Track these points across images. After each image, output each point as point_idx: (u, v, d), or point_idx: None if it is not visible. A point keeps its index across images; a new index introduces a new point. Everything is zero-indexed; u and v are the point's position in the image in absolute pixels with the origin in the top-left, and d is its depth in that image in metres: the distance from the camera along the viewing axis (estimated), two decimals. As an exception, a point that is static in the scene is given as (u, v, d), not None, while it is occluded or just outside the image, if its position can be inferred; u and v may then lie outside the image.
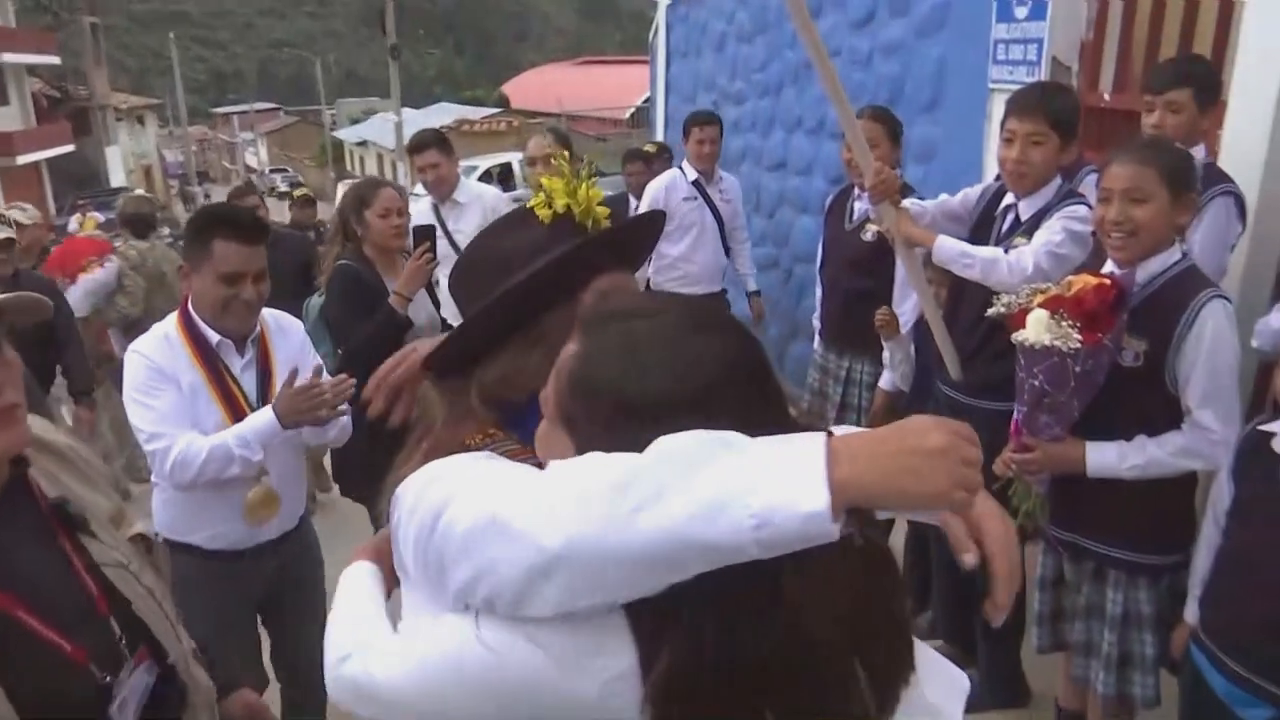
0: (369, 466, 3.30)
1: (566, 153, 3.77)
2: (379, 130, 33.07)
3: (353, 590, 1.20)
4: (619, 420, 0.94)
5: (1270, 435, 1.97)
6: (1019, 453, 2.33)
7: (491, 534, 0.91)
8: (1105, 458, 2.23)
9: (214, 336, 2.38)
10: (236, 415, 2.36)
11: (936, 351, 2.92)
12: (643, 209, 4.67)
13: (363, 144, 36.38)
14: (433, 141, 4.33)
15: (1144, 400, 2.19)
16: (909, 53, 5.10)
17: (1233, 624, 2.02)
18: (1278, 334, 2.43)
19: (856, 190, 3.74)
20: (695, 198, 4.87)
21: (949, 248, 2.71)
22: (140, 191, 11.07)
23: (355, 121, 43.09)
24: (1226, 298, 2.15)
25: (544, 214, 1.23)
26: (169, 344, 2.36)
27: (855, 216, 3.73)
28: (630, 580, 0.87)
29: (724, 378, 0.95)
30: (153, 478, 2.45)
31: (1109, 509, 2.29)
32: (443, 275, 4.30)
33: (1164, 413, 2.19)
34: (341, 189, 14.25)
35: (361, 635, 1.12)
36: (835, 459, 0.82)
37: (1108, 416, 2.21)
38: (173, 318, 2.42)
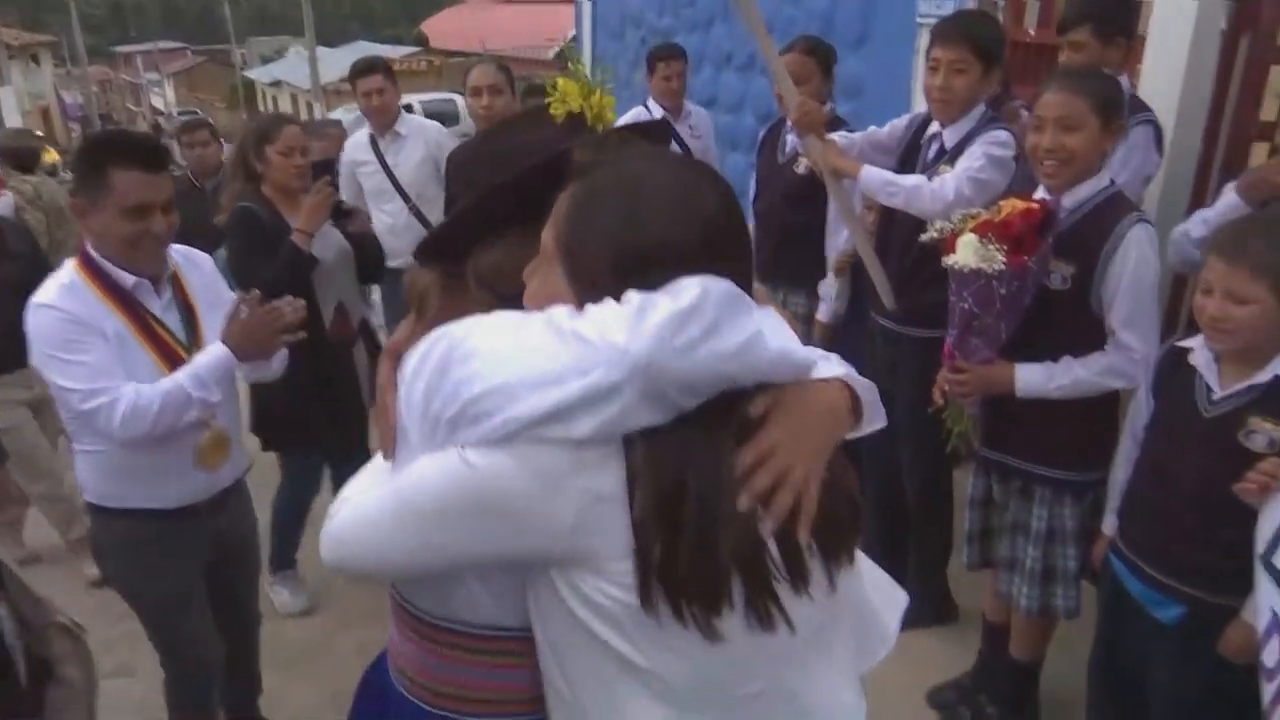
0: (295, 415, 3.22)
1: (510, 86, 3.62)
2: (293, 69, 31.89)
3: (364, 473, 1.21)
4: (624, 255, 0.97)
5: (1187, 351, 2.05)
6: (952, 374, 2.40)
7: (551, 340, 0.94)
8: (1033, 378, 2.30)
9: (128, 278, 2.17)
10: (170, 360, 2.19)
11: (869, 282, 2.97)
12: None
13: (276, 84, 35.09)
14: (379, 67, 4.27)
15: (1071, 322, 2.26)
16: (837, -13, 5.09)
17: (1147, 531, 2.13)
18: (1195, 244, 2.53)
19: (788, 123, 3.74)
20: None
21: (874, 177, 2.74)
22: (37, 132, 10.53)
23: (267, 61, 41.50)
24: (1149, 221, 2.22)
25: (559, 112, 1.24)
26: (76, 293, 2.12)
27: (788, 150, 3.73)
28: (670, 403, 0.94)
29: (721, 219, 1.01)
30: (78, 443, 2.23)
31: (1036, 430, 2.37)
32: (382, 211, 4.22)
33: (1089, 334, 2.26)
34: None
35: (348, 492, 1.15)
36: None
37: (1037, 338, 2.28)
38: (70, 265, 2.18)
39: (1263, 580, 1.73)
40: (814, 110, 2.84)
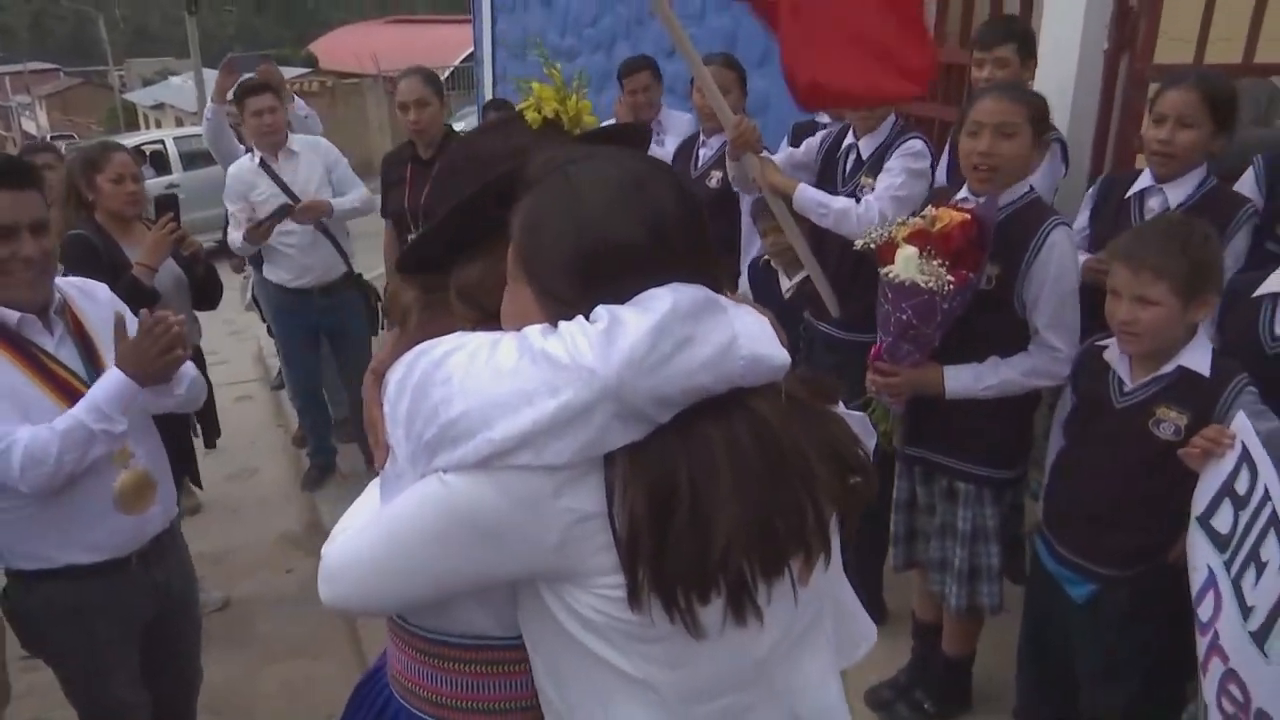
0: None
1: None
2: (176, 92, 30.80)
3: (361, 498, 1.19)
4: (579, 262, 0.96)
5: (1103, 348, 2.18)
6: (880, 377, 2.45)
7: (523, 361, 0.92)
8: (962, 379, 2.38)
9: (11, 315, 1.99)
10: (72, 400, 2.02)
11: (810, 290, 3.03)
12: None
13: (159, 107, 33.80)
14: (269, 85, 4.20)
15: (994, 321, 2.35)
16: (741, 7, 5.17)
17: (1063, 515, 2.27)
18: None
19: (702, 137, 3.81)
20: None
21: (808, 197, 2.82)
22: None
23: (149, 83, 39.94)
24: (1069, 224, 2.33)
25: (533, 118, 1.22)
26: None
27: (701, 164, 3.80)
28: (646, 418, 0.93)
29: (675, 214, 0.99)
30: None
31: (957, 427, 2.45)
32: (287, 233, 4.11)
33: (1012, 333, 2.35)
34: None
35: (343, 525, 1.13)
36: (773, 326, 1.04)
37: (960, 337, 2.35)
38: None
39: (1199, 540, 1.83)
40: (749, 129, 2.91)
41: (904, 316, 2.26)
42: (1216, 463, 1.83)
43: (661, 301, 0.93)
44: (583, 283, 0.96)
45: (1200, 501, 1.85)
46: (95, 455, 2.00)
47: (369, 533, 1.06)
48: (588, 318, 0.95)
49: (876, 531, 3.06)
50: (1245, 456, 1.73)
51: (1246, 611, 1.61)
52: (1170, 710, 2.25)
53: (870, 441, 1.14)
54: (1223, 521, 1.76)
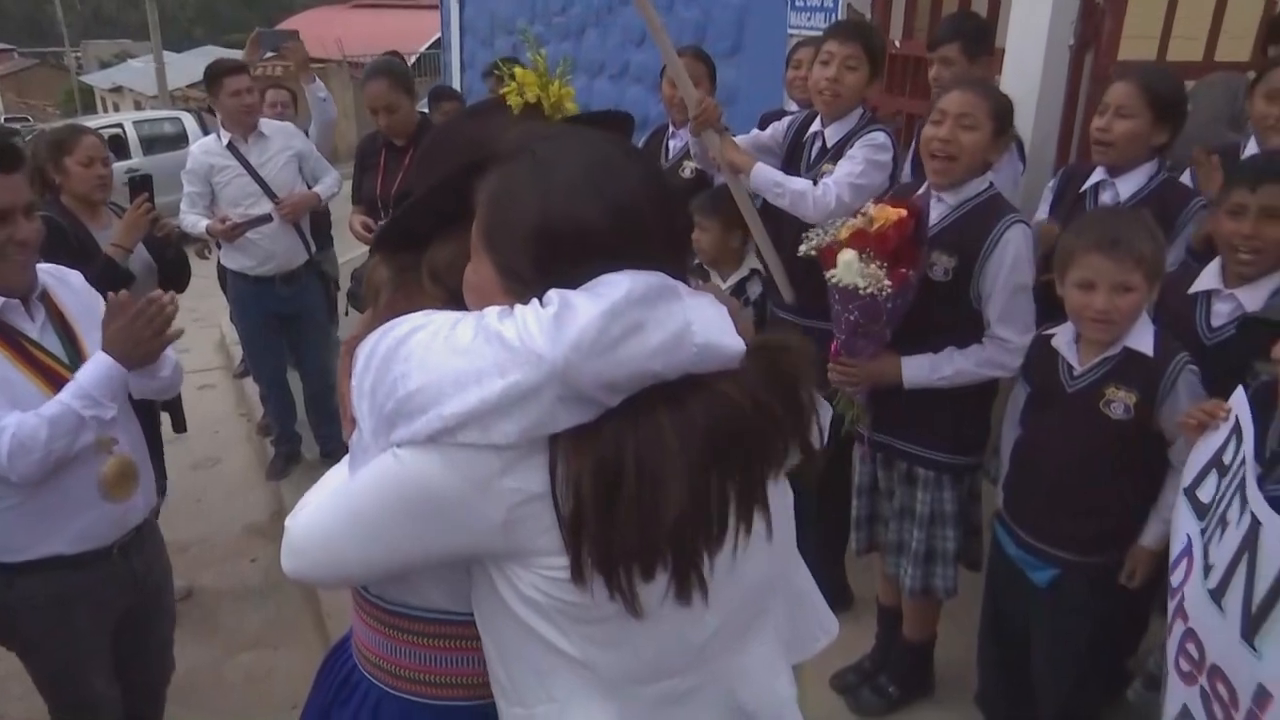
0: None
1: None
2: (135, 75, 30.25)
3: (333, 469, 1.18)
4: (539, 239, 0.97)
5: (1051, 336, 2.24)
6: (840, 368, 2.49)
7: (479, 344, 0.93)
8: (919, 369, 2.42)
9: None
10: (56, 385, 2.00)
11: (766, 277, 3.05)
12: None
13: (116, 90, 33.16)
14: (244, 67, 4.20)
15: (950, 312, 2.40)
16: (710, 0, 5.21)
17: (1022, 500, 2.32)
18: None
19: (672, 128, 3.81)
20: None
21: (765, 176, 2.83)
22: None
23: (106, 65, 39.21)
24: (1026, 222, 2.38)
25: (515, 102, 1.23)
26: None
27: (672, 155, 3.80)
28: (593, 401, 0.93)
29: (642, 198, 0.99)
30: None
31: (918, 413, 2.50)
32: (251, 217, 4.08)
33: (967, 324, 2.40)
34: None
35: (306, 499, 1.13)
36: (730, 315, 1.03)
37: (918, 325, 2.39)
38: None
39: (1184, 510, 1.86)
40: (711, 105, 2.93)
41: (852, 317, 2.32)
42: (1211, 435, 1.85)
43: (615, 287, 0.93)
44: (541, 261, 0.97)
45: (1190, 473, 1.89)
46: (84, 442, 1.98)
47: (329, 505, 1.07)
48: (542, 300, 0.95)
49: (839, 516, 3.10)
50: (1235, 427, 1.76)
51: (1207, 570, 1.65)
52: (1117, 686, 2.32)
53: (825, 417, 1.16)
54: (1206, 491, 1.80)
